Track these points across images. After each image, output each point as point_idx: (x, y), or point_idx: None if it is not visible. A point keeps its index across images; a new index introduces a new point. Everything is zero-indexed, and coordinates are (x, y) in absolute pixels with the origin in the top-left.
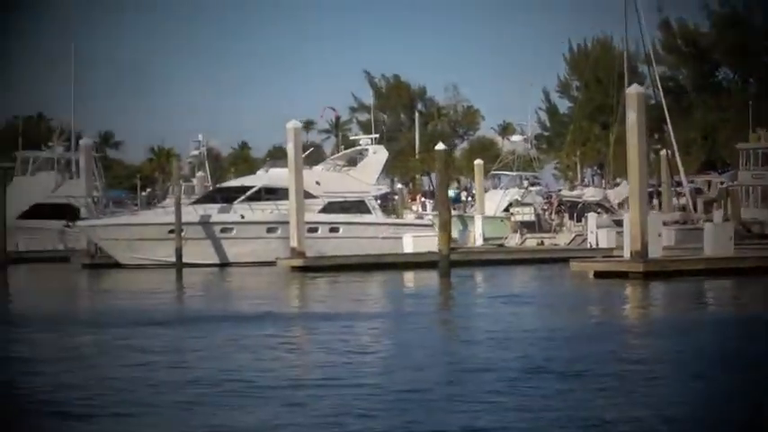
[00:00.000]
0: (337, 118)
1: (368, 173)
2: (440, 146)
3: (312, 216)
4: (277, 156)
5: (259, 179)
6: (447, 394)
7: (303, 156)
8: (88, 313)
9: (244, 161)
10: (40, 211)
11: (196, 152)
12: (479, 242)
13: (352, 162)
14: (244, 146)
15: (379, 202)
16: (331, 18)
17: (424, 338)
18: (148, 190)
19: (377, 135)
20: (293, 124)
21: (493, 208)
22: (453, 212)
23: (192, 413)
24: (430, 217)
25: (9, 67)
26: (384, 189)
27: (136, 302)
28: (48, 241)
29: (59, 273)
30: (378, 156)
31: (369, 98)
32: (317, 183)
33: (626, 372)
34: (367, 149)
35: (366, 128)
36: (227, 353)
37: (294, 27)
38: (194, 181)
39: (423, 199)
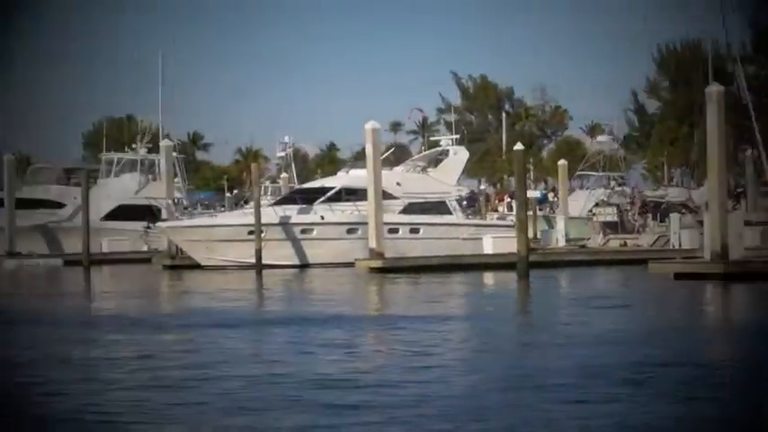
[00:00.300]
0: (424, 119)
1: (448, 173)
2: (518, 146)
3: (393, 217)
4: (361, 157)
5: (339, 180)
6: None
7: (383, 156)
8: (167, 315)
9: (330, 162)
10: (123, 213)
11: (282, 154)
12: (562, 243)
13: (434, 163)
14: (332, 147)
15: (465, 203)
16: (421, 18)
17: (502, 341)
18: (235, 191)
19: (457, 136)
20: (371, 125)
21: (578, 208)
22: (539, 213)
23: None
24: (512, 218)
25: (99, 68)
26: (465, 190)
27: (212, 304)
28: (131, 242)
29: (140, 274)
30: (458, 156)
31: (456, 99)
32: (398, 184)
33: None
34: (448, 150)
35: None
36: (309, 354)
37: (384, 28)
38: (280, 182)
39: (509, 199)
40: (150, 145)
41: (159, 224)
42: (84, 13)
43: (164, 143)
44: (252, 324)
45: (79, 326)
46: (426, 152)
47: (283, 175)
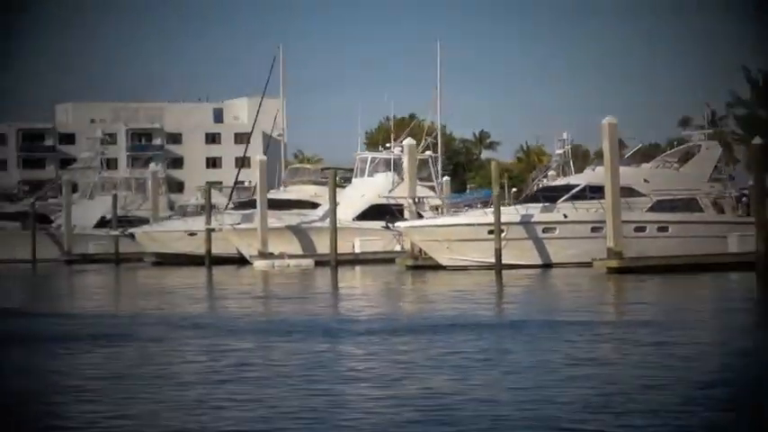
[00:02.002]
0: (713, 113)
1: (700, 169)
2: (756, 140)
3: (639, 215)
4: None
5: (584, 177)
6: None
7: (630, 152)
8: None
9: None
10: (375, 213)
11: (560, 151)
12: None
13: (685, 158)
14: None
15: (743, 200)
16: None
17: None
18: (513, 190)
19: (710, 131)
20: (608, 119)
21: None
22: None
23: None
24: None
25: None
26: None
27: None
28: (383, 242)
29: (383, 274)
30: (710, 152)
31: (746, 93)
32: (646, 180)
33: None
34: (700, 145)
35: (744, 122)
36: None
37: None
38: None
39: None
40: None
41: (398, 224)
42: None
43: (407, 142)
44: (489, 327)
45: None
46: (677, 148)
47: (550, 172)
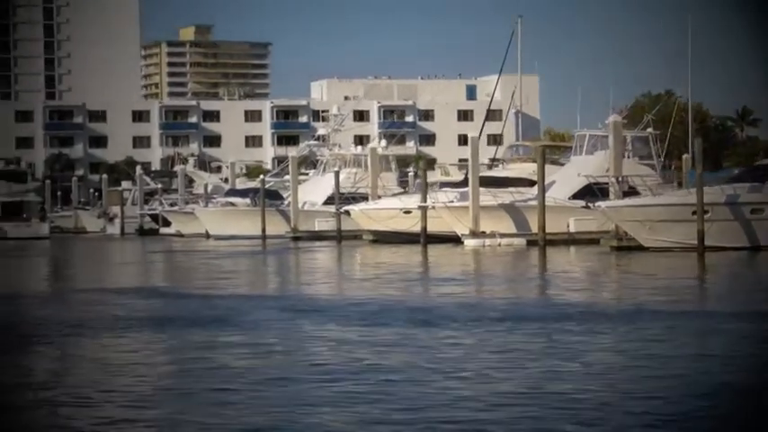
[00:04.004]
0: None
1: None
2: None
3: None
4: None
5: None
6: None
7: None
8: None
9: None
10: (591, 191)
11: None
12: None
13: None
14: None
15: None
16: None
17: None
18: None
19: None
20: None
21: None
22: None
23: None
24: None
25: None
26: None
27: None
28: (599, 222)
29: (587, 255)
30: None
31: None
32: None
33: None
34: None
35: None
36: None
37: None
38: None
39: None
40: None
41: (599, 204)
42: None
43: (612, 119)
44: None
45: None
46: None
47: None
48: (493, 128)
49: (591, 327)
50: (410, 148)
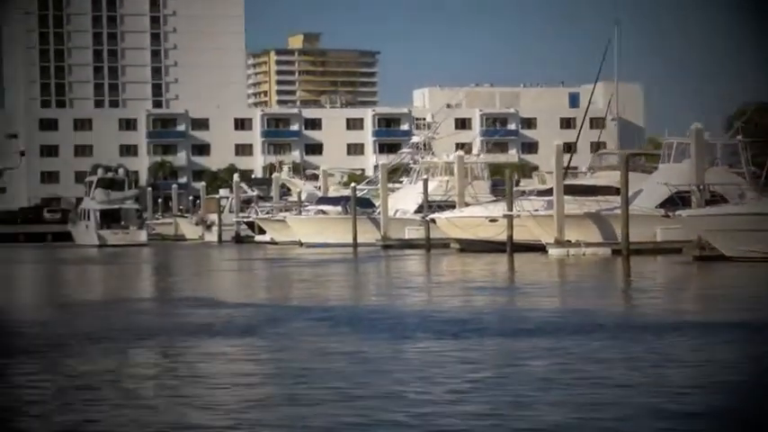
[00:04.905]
0: None
1: None
2: None
3: None
4: None
5: None
6: None
7: None
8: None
9: None
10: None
11: None
12: None
13: None
14: None
15: None
16: None
17: None
18: None
19: None
20: None
21: None
22: None
23: None
24: None
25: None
26: None
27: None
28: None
29: (668, 265)
30: None
31: None
32: None
33: None
34: None
35: None
36: None
37: None
38: None
39: None
40: None
41: (679, 212)
42: None
43: (693, 125)
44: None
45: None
46: None
47: None
48: (596, 136)
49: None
50: (512, 155)
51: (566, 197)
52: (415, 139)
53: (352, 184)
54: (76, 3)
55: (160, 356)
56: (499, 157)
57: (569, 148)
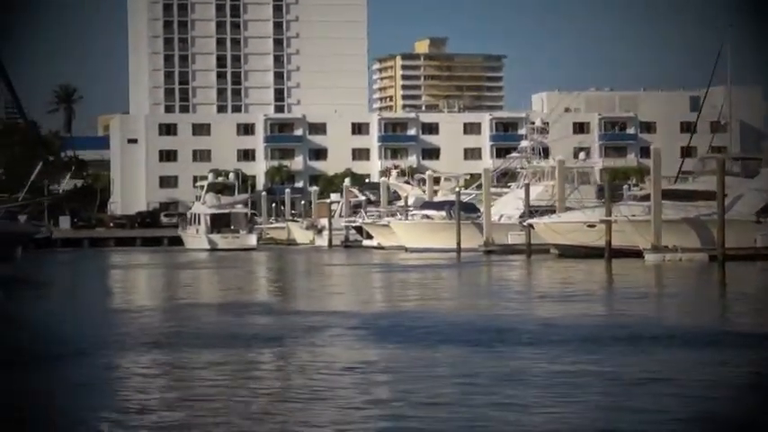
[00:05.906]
0: None
1: None
2: None
3: None
4: None
5: None
6: None
7: None
8: None
9: None
10: None
11: None
12: None
13: None
14: None
15: None
16: None
17: None
18: None
19: None
20: None
21: None
22: None
23: None
24: None
25: None
26: None
27: None
28: None
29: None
30: None
31: None
32: None
33: None
34: None
35: None
36: None
37: None
38: None
39: None
40: None
41: None
42: None
43: None
44: None
45: None
46: None
47: None
48: (718, 140)
49: None
50: (631, 159)
51: (665, 202)
52: (523, 143)
53: (456, 189)
54: (200, 9)
55: None
56: (619, 162)
57: (689, 152)
